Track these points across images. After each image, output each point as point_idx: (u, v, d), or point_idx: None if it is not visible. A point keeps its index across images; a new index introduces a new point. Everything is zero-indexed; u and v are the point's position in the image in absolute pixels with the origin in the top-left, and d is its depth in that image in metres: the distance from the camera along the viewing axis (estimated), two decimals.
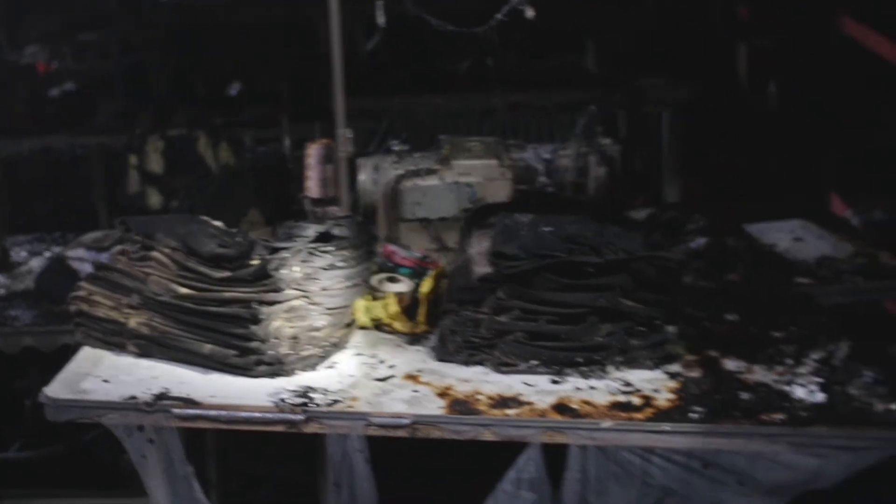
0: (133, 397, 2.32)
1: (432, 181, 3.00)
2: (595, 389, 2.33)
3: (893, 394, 2.24)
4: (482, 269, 2.49)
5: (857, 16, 4.60)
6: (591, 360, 2.39)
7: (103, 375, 2.44)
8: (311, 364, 2.42)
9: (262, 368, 2.38)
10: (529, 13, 2.72)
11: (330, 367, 2.45)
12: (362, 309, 2.59)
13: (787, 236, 3.11)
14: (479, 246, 2.64)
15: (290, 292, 2.40)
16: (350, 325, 2.57)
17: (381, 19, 2.93)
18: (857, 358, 2.38)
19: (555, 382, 2.36)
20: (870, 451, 2.14)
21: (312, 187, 2.98)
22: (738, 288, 2.83)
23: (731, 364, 2.42)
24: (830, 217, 3.28)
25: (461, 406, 2.28)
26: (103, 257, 2.60)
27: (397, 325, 2.59)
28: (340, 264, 2.51)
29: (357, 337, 2.58)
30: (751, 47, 5.37)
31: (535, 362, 2.39)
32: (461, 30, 2.89)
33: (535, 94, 4.10)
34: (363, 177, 3.02)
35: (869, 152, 4.62)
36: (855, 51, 4.58)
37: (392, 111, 4.01)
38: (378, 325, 2.60)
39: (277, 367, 2.38)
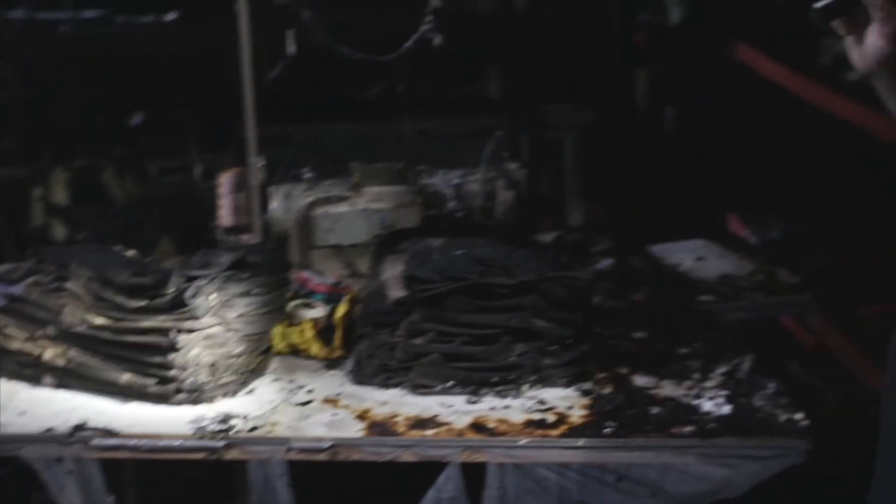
0: (51, 429, 2.31)
1: (343, 208, 3.05)
2: (510, 408, 2.39)
3: (795, 405, 2.34)
4: (396, 292, 2.54)
5: (750, 42, 4.78)
6: (506, 380, 2.44)
7: (19, 408, 2.43)
8: (229, 391, 2.44)
9: (182, 396, 2.39)
10: (437, 41, 2.78)
11: (249, 393, 2.47)
12: (279, 335, 2.62)
13: (689, 256, 3.21)
14: (392, 270, 2.69)
15: (207, 320, 2.41)
16: (267, 351, 2.60)
17: (291, 48, 2.97)
18: (760, 371, 2.48)
19: (471, 402, 2.41)
20: (775, 459, 2.23)
21: (225, 216, 3.00)
22: (644, 307, 2.91)
23: (640, 380, 2.49)
24: (730, 237, 3.39)
25: (380, 428, 2.32)
26: (14, 289, 2.58)
27: (313, 350, 2.62)
28: (257, 291, 2.54)
29: (274, 363, 2.61)
30: (647, 73, 5.53)
31: (451, 383, 2.44)
32: (370, 57, 2.94)
33: (442, 121, 4.17)
34: (274, 205, 3.05)
35: (763, 173, 4.79)
36: (748, 76, 4.75)
37: (298, 139, 4.04)
38: (294, 351, 2.63)
39: (197, 395, 2.39)
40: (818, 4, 1.59)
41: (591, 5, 5.32)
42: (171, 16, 5.07)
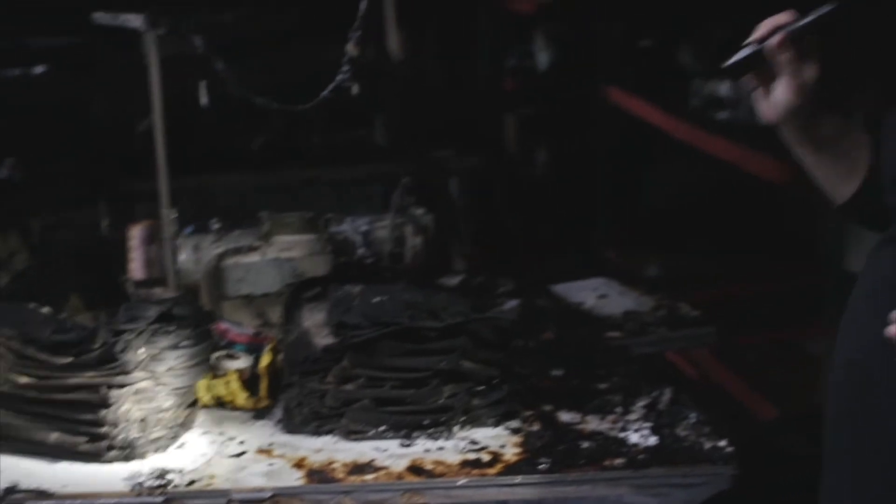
0: None
1: (254, 258, 3.05)
2: (444, 449, 2.42)
3: (717, 432, 2.44)
4: (323, 340, 2.56)
5: (622, 85, 4.95)
6: (437, 422, 2.48)
7: None
8: (161, 446, 2.41)
9: (114, 453, 2.35)
10: (355, 90, 2.82)
11: (180, 447, 2.45)
12: (204, 387, 2.60)
13: (591, 294, 3.30)
14: (313, 319, 2.70)
15: (137, 374, 2.39)
16: (194, 404, 2.58)
17: (203, 98, 2.97)
18: (680, 402, 2.58)
19: (405, 446, 2.44)
20: (703, 486, 2.32)
21: (137, 269, 2.97)
22: (556, 345, 2.99)
23: (566, 416, 2.56)
24: (630, 273, 3.50)
25: (319, 475, 2.32)
26: None
27: (240, 401, 2.62)
28: (184, 343, 2.52)
29: (201, 416, 2.59)
30: (519, 117, 5.66)
31: (383, 428, 2.47)
32: (285, 107, 2.96)
33: (332, 169, 4.20)
34: (183, 256, 3.04)
35: (638, 211, 4.95)
36: (621, 117, 4.92)
37: (187, 191, 4.01)
38: (221, 403, 2.62)
39: (129, 452, 2.36)
40: (730, 61, 1.71)
41: (461, 52, 5.43)
42: (39, 69, 4.98)
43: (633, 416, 2.54)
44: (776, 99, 1.72)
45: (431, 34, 5.08)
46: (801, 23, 1.66)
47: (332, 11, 3.51)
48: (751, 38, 1.70)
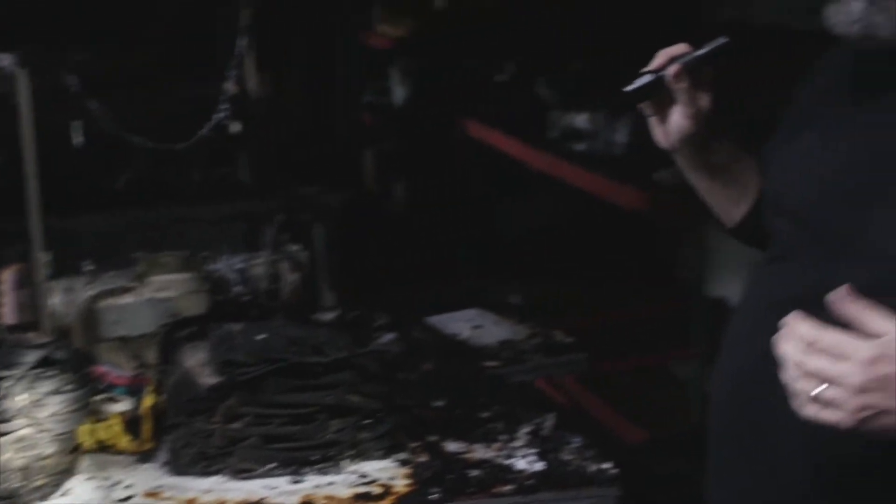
0: None
1: (129, 299, 3.00)
2: (335, 484, 2.42)
3: (602, 455, 2.50)
4: (207, 379, 2.54)
5: (480, 118, 5.03)
6: (326, 457, 2.49)
7: None
8: (45, 493, 2.36)
9: None
10: (234, 128, 2.82)
11: (64, 495, 2.40)
12: (86, 432, 2.55)
13: (466, 325, 3.35)
14: (195, 358, 2.68)
15: (18, 421, 2.34)
16: (76, 449, 2.52)
17: (77, 139, 2.92)
18: (562, 427, 2.64)
19: (295, 482, 2.43)
20: None
21: (8, 314, 2.90)
22: (436, 376, 3.02)
23: (452, 446, 2.59)
24: (503, 303, 3.56)
25: None
26: None
27: (123, 445, 2.57)
28: (65, 388, 2.47)
29: (85, 461, 2.54)
30: (378, 152, 5.69)
31: (272, 465, 2.46)
32: (161, 146, 2.93)
33: (199, 207, 4.15)
34: (55, 300, 2.97)
35: (502, 242, 5.03)
36: (481, 150, 4.99)
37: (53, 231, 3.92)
38: (104, 447, 2.57)
39: (11, 501, 2.31)
40: (628, 88, 1.78)
41: (320, 87, 5.44)
42: None
43: (518, 443, 2.59)
44: (672, 126, 1.79)
45: (291, 70, 5.08)
46: (697, 54, 1.74)
47: (194, 50, 3.53)
48: (648, 68, 1.77)
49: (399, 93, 5.79)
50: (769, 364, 1.58)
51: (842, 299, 1.43)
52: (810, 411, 1.45)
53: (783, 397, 1.54)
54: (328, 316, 3.34)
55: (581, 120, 4.49)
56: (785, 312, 1.60)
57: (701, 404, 3.48)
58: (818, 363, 1.44)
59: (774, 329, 1.60)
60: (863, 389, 1.41)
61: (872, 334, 1.42)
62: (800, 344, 1.46)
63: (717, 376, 1.88)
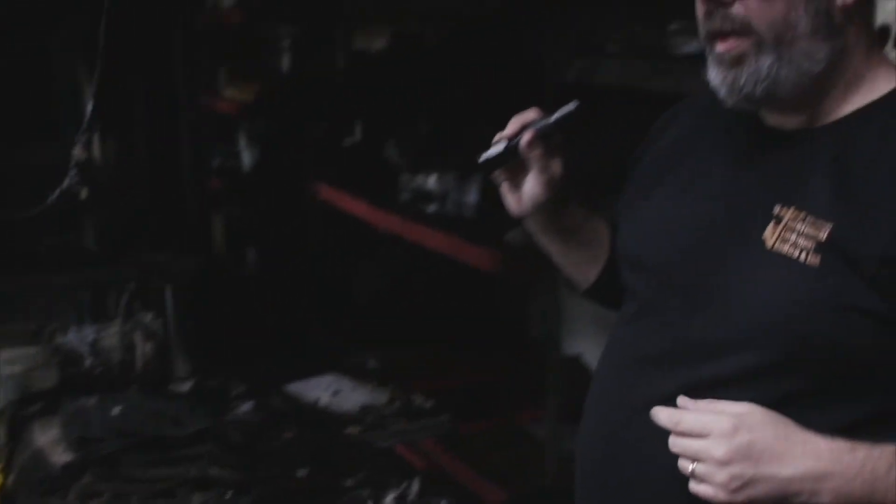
0: None
1: None
2: None
3: None
4: (61, 457, 2.46)
5: (330, 182, 5.00)
6: None
7: None
8: None
9: None
10: (84, 194, 2.75)
11: None
12: None
13: (325, 391, 3.32)
14: (46, 435, 2.60)
15: None
16: None
17: None
18: (427, 491, 2.63)
19: None
20: None
21: None
22: (297, 445, 2.97)
23: None
24: (360, 367, 3.54)
25: None
26: None
27: None
28: None
29: None
30: (227, 217, 5.63)
31: None
32: (5, 214, 2.84)
33: (45, 276, 4.04)
34: None
35: (355, 305, 5.00)
36: (331, 214, 4.97)
37: None
38: None
39: None
40: (483, 157, 1.77)
41: (166, 152, 5.36)
42: None
43: None
44: (525, 193, 1.79)
45: (137, 135, 5.01)
46: (549, 120, 1.72)
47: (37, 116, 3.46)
48: (501, 135, 1.75)
49: (248, 157, 5.74)
50: (638, 420, 1.61)
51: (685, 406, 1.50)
52: (692, 487, 1.49)
53: (654, 454, 1.56)
54: (184, 386, 3.27)
55: (431, 181, 4.52)
56: (650, 368, 1.63)
57: (558, 463, 3.49)
58: (683, 443, 1.49)
59: (640, 385, 1.63)
60: (727, 461, 1.45)
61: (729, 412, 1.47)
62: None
63: (585, 435, 1.89)
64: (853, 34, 1.56)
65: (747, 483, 1.44)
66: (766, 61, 1.52)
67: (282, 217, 5.35)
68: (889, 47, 2.14)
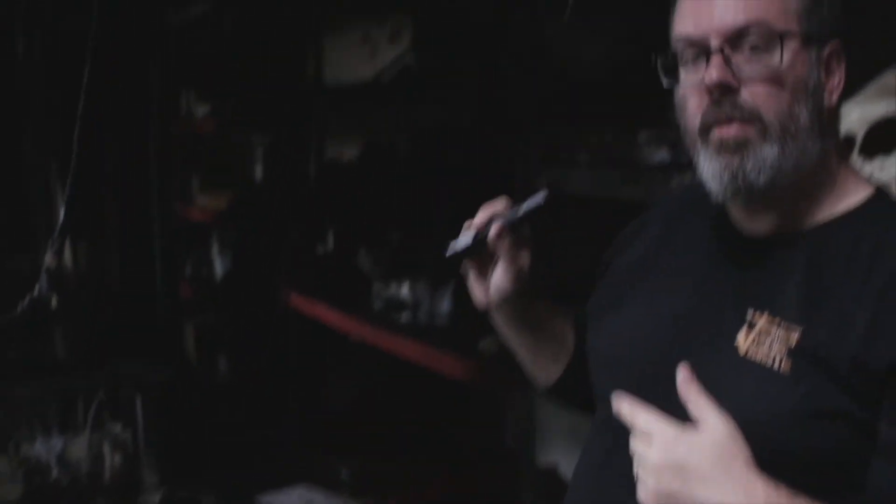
0: None
1: None
2: None
3: None
4: None
5: (302, 290, 5.00)
6: None
7: None
8: None
9: None
10: (55, 302, 2.73)
11: None
12: None
13: (298, 502, 3.27)
14: None
15: None
16: None
17: None
18: None
19: None
20: None
21: None
22: None
23: None
24: (333, 478, 3.50)
25: None
26: None
27: None
28: None
29: None
30: (199, 325, 5.60)
31: None
32: None
33: (11, 386, 3.99)
34: None
35: (327, 415, 4.96)
36: (303, 322, 4.96)
37: None
38: None
39: None
40: (451, 249, 1.76)
41: (137, 259, 5.35)
42: None
43: None
44: (493, 285, 1.78)
45: (109, 242, 5.00)
46: (518, 212, 1.72)
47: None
48: (469, 225, 1.75)
49: (220, 264, 5.74)
50: None
51: (684, 381, 1.48)
52: (638, 491, 1.48)
53: None
54: (154, 497, 3.22)
55: (403, 290, 4.52)
56: (625, 475, 1.62)
57: None
58: (634, 443, 1.50)
59: (618, 480, 1.61)
60: (658, 471, 1.45)
61: (696, 420, 1.46)
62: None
63: None
64: (833, 138, 1.59)
65: (670, 497, 1.43)
66: (770, 150, 1.54)
67: (254, 325, 5.33)
68: (854, 156, 2.18)
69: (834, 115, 1.59)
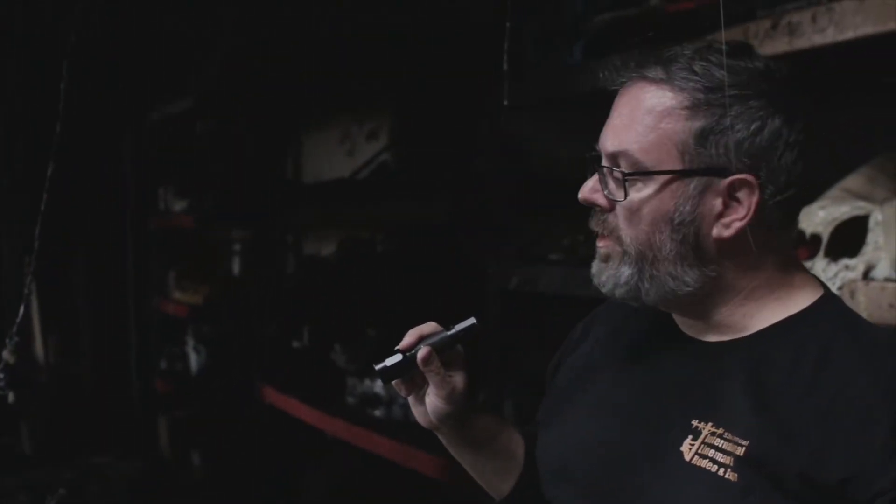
0: None
1: None
2: None
3: None
4: None
5: (277, 385, 4.98)
6: None
7: None
8: None
9: None
10: (11, 398, 2.71)
11: None
12: None
13: None
14: None
15: None
16: None
17: None
18: None
19: None
20: None
21: None
22: None
23: None
24: None
25: None
26: None
27: None
28: None
29: None
30: (171, 420, 5.56)
31: None
32: None
33: None
34: None
35: None
36: (277, 417, 4.93)
37: None
38: None
39: None
40: (378, 366, 1.74)
41: (113, 354, 5.34)
42: None
43: None
44: (428, 406, 1.76)
45: (82, 336, 4.99)
46: (445, 335, 1.72)
47: None
48: (399, 347, 1.73)
49: (195, 359, 5.71)
50: None
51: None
52: None
53: None
54: None
55: (378, 386, 4.50)
56: None
57: None
58: None
59: None
60: None
61: None
62: None
63: None
64: (743, 259, 1.58)
65: None
66: (625, 271, 1.59)
67: (228, 420, 5.30)
68: (820, 256, 2.20)
69: (738, 242, 1.56)
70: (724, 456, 1.49)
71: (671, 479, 1.54)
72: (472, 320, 1.73)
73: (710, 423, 1.53)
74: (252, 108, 5.15)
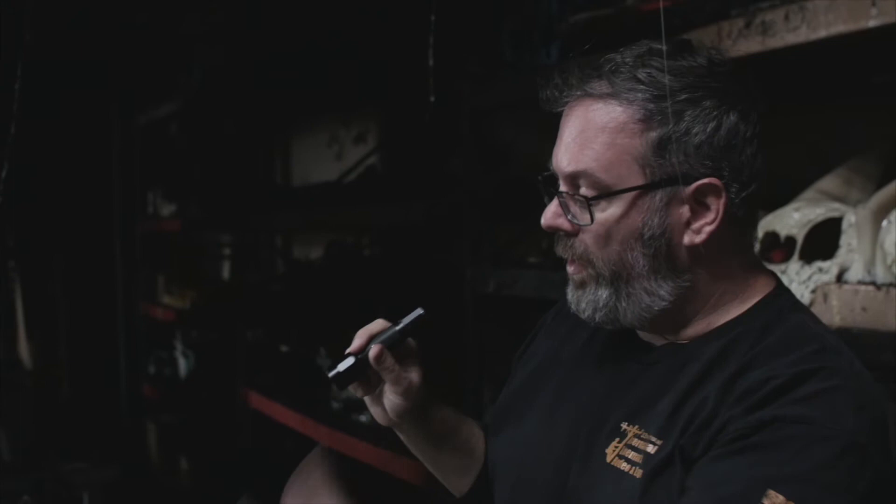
0: None
1: None
2: None
3: None
4: None
5: (261, 391, 4.95)
6: None
7: None
8: None
9: None
10: None
11: None
12: None
13: None
14: None
15: None
16: None
17: None
18: None
19: None
20: None
21: None
22: None
23: None
24: None
25: None
26: None
27: None
28: None
29: None
30: (159, 425, 5.53)
31: None
32: None
33: None
34: None
35: None
36: (261, 420, 4.90)
37: None
38: None
39: None
40: (331, 372, 1.71)
41: (99, 357, 5.32)
42: None
43: None
44: (386, 404, 1.74)
45: (59, 342, 4.96)
46: (395, 330, 1.71)
47: None
48: (349, 350, 1.71)
49: (183, 364, 5.68)
50: None
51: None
52: None
53: None
54: None
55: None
56: None
57: None
58: None
59: None
60: None
61: None
62: None
63: None
64: (714, 264, 1.56)
65: None
66: (602, 293, 1.56)
67: (213, 426, 5.27)
68: (794, 258, 2.17)
69: (709, 247, 1.54)
70: (637, 454, 1.50)
71: (593, 479, 1.56)
72: (419, 311, 1.71)
73: (636, 426, 1.54)
74: (240, 111, 5.12)
